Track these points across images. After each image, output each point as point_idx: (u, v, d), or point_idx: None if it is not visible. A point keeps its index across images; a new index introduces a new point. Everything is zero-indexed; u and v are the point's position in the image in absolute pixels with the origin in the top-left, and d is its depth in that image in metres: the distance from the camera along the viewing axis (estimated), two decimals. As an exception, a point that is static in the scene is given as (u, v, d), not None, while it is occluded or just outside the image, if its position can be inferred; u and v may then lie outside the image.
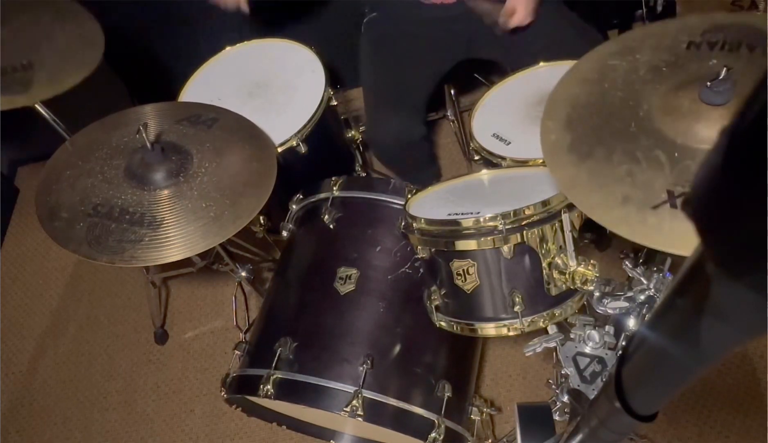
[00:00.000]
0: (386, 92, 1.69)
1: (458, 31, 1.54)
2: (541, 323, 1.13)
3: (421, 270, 1.31)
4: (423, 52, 1.58)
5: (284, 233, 1.50)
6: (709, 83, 0.91)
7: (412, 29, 1.55)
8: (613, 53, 1.08)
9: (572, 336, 0.99)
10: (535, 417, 0.89)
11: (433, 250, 1.16)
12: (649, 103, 0.99)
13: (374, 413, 1.19)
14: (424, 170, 1.94)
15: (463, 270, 1.13)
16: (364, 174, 2.00)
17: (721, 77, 0.90)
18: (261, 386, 1.22)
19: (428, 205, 1.29)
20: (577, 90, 1.05)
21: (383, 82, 1.68)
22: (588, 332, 0.97)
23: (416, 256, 1.25)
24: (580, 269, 1.07)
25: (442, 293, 1.21)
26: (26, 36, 1.58)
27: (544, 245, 1.10)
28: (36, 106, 1.52)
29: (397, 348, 1.28)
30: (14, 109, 1.47)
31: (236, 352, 1.39)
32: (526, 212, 1.06)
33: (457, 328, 1.21)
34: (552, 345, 1.00)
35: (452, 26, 1.51)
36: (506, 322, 1.14)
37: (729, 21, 1.06)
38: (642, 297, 0.96)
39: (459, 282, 1.15)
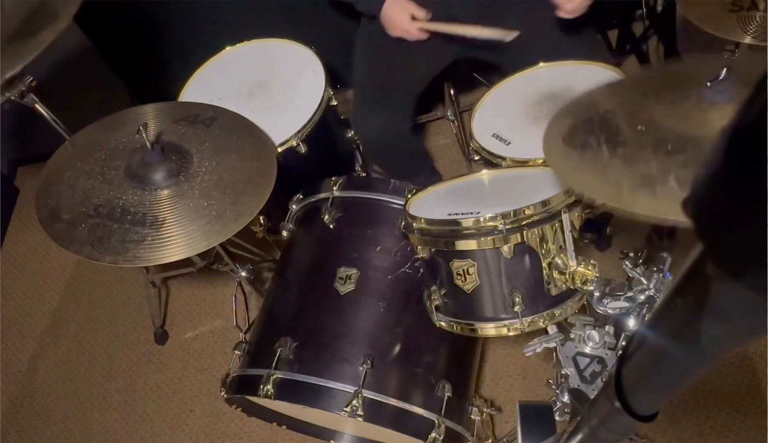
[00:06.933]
0: (375, 89, 1.70)
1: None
2: (541, 324, 1.13)
3: (421, 270, 1.31)
4: (417, 50, 1.58)
5: (284, 233, 1.50)
6: (709, 83, 0.92)
7: None
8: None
9: (572, 335, 0.99)
10: (537, 415, 0.89)
11: (433, 250, 1.16)
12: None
13: (374, 413, 1.19)
14: (417, 173, 1.93)
15: (463, 270, 1.13)
16: (364, 174, 2.00)
17: (721, 77, 0.90)
18: (261, 386, 1.22)
19: (428, 205, 1.29)
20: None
21: (374, 78, 1.69)
22: (588, 332, 0.98)
23: (416, 256, 1.25)
24: (580, 269, 1.07)
25: (442, 293, 1.21)
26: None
27: (544, 245, 1.09)
28: (36, 106, 1.51)
29: (397, 348, 1.28)
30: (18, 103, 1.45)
31: (236, 352, 1.39)
32: (526, 212, 1.06)
33: (457, 328, 1.21)
34: (552, 345, 1.00)
35: None
36: (506, 322, 1.14)
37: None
38: (642, 297, 0.96)
39: (459, 282, 1.15)
